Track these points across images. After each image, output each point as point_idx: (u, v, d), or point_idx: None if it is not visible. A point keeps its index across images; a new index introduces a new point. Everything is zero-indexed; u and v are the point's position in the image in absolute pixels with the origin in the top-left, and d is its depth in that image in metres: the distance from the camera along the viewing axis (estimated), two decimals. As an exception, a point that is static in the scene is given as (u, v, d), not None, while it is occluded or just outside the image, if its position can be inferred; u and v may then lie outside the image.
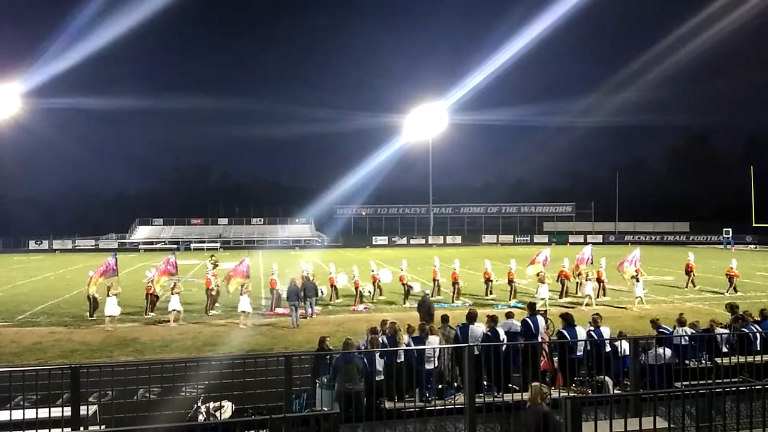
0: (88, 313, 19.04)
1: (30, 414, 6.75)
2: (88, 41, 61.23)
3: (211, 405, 8.72)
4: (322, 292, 21.32)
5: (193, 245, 64.21)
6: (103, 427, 7.75)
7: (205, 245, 64.03)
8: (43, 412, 7.01)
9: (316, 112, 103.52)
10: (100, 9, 61.00)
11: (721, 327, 10.87)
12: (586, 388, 9.28)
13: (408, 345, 9.50)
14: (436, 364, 9.31)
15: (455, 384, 9.52)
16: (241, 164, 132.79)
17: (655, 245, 64.95)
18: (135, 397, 9.22)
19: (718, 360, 9.25)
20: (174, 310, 17.77)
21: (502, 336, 9.90)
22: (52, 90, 66.03)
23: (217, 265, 22.88)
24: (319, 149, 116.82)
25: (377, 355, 8.96)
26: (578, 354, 9.66)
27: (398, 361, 8.84)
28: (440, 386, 9.32)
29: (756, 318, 11.25)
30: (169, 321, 17.87)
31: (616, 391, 8.98)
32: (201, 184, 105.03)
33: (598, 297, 21.50)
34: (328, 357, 9.09)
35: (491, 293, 22.67)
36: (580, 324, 10.36)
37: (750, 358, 9.55)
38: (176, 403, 8.71)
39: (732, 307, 11.78)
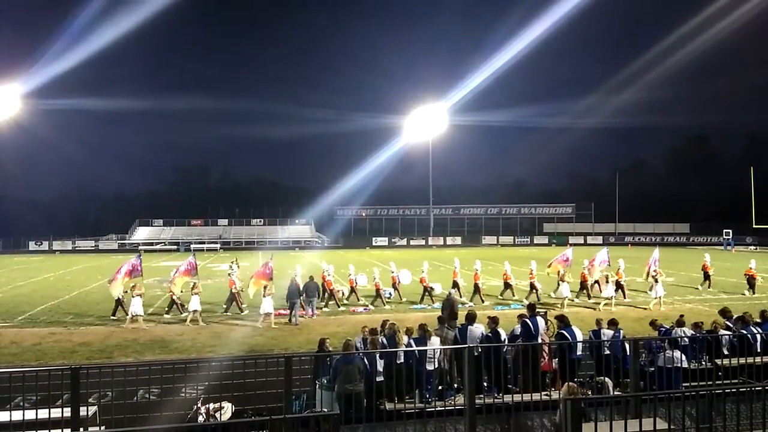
0: (111, 313, 19.15)
1: (30, 415, 6.74)
2: (87, 42, 61.35)
3: (211, 406, 8.71)
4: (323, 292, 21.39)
5: (193, 246, 64.22)
6: (102, 428, 7.75)
7: (205, 246, 64.05)
8: (42, 413, 7.00)
9: (316, 113, 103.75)
10: (99, 10, 61.13)
11: (723, 329, 10.87)
12: (587, 389, 9.28)
13: (408, 346, 9.50)
14: (436, 365, 9.31)
15: (455, 385, 9.52)
16: (241, 165, 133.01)
17: (655, 246, 64.83)
18: (135, 398, 9.22)
19: (718, 361, 9.25)
20: (194, 310, 18.02)
21: (503, 337, 9.90)
22: (52, 91, 66.21)
23: (238, 266, 23.00)
24: (319, 150, 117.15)
25: (377, 355, 8.96)
26: (577, 354, 9.68)
27: (398, 362, 8.85)
28: (440, 387, 9.33)
29: (756, 320, 11.27)
30: (197, 320, 18.04)
31: (616, 392, 8.98)
32: (201, 184, 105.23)
33: (618, 298, 21.63)
34: (328, 358, 9.10)
35: (512, 294, 22.69)
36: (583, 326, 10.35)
37: (750, 360, 9.55)
38: (176, 404, 8.70)
39: (724, 312, 11.76)
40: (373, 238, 73.15)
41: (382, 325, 10.66)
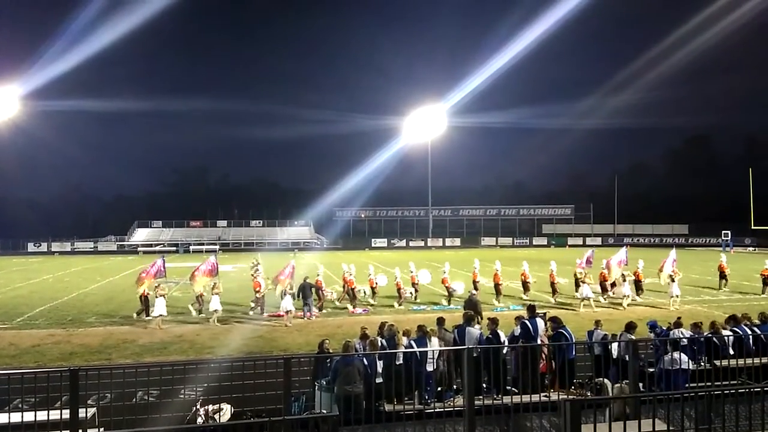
0: (135, 313, 19.23)
1: (29, 417, 6.73)
2: (86, 44, 61.31)
3: (210, 407, 8.71)
4: (331, 293, 22.05)
5: (192, 247, 64.19)
6: (101, 429, 7.73)
7: (204, 247, 64.00)
8: (41, 415, 6.98)
9: (315, 114, 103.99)
10: (98, 11, 61.11)
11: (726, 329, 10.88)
12: (586, 391, 9.29)
13: (407, 347, 9.50)
14: (435, 366, 9.31)
15: (454, 386, 9.52)
16: (240, 166, 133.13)
17: (654, 247, 64.96)
18: (134, 400, 9.19)
19: (717, 362, 9.26)
20: (215, 310, 18.21)
21: (503, 338, 9.90)
22: (51, 92, 66.22)
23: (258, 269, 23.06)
24: (319, 151, 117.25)
25: (376, 357, 8.96)
26: (572, 355, 9.73)
27: (397, 363, 8.84)
28: (439, 389, 9.32)
29: (755, 321, 11.28)
30: (213, 321, 18.18)
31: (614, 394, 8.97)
32: (200, 185, 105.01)
33: (636, 296, 21.90)
34: (328, 360, 9.09)
35: (528, 292, 22.87)
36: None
37: (749, 361, 9.56)
38: (175, 406, 8.69)
39: (734, 319, 11.75)
40: (372, 240, 73.17)
41: (381, 327, 10.67)
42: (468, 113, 73.86)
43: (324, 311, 20.30)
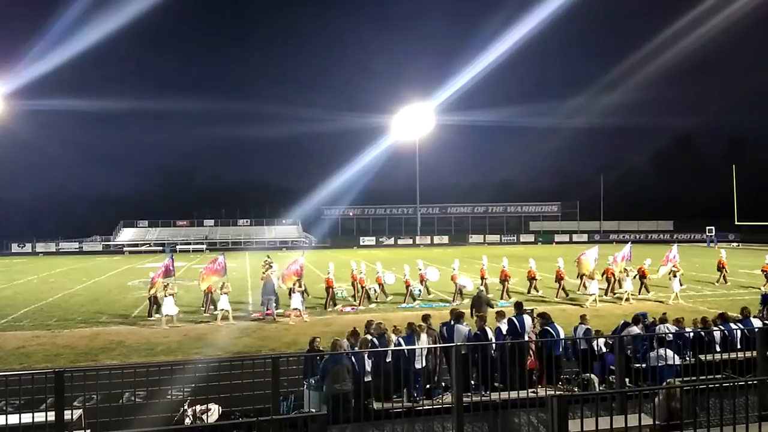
0: (147, 313, 19.14)
1: (13, 419, 6.67)
2: (71, 42, 60.73)
3: (198, 408, 8.67)
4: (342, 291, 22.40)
5: (179, 247, 63.74)
6: (88, 431, 7.68)
7: (191, 247, 63.59)
8: (26, 417, 6.92)
9: (302, 112, 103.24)
10: (83, 10, 60.47)
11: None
12: (573, 386, 9.37)
13: (397, 345, 9.52)
14: (424, 364, 9.34)
15: (443, 384, 9.55)
16: (227, 165, 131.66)
17: (639, 243, 65.54)
18: (120, 401, 9.13)
19: (702, 357, 9.38)
20: (223, 309, 18.16)
21: (491, 335, 9.94)
22: (35, 91, 65.47)
23: (271, 266, 22.99)
24: (306, 149, 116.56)
25: (365, 355, 8.96)
26: (559, 351, 9.82)
27: (386, 361, 8.86)
28: (428, 386, 9.35)
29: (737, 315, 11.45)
30: (227, 318, 18.17)
31: (601, 389, 9.07)
32: (186, 185, 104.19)
33: (640, 293, 22.13)
34: (318, 357, 9.09)
35: (537, 290, 23.05)
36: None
37: (733, 355, 9.70)
38: (162, 407, 8.65)
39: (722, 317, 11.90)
40: (361, 238, 73.11)
41: (367, 326, 10.66)
42: (456, 111, 74.21)
43: (333, 308, 20.37)
